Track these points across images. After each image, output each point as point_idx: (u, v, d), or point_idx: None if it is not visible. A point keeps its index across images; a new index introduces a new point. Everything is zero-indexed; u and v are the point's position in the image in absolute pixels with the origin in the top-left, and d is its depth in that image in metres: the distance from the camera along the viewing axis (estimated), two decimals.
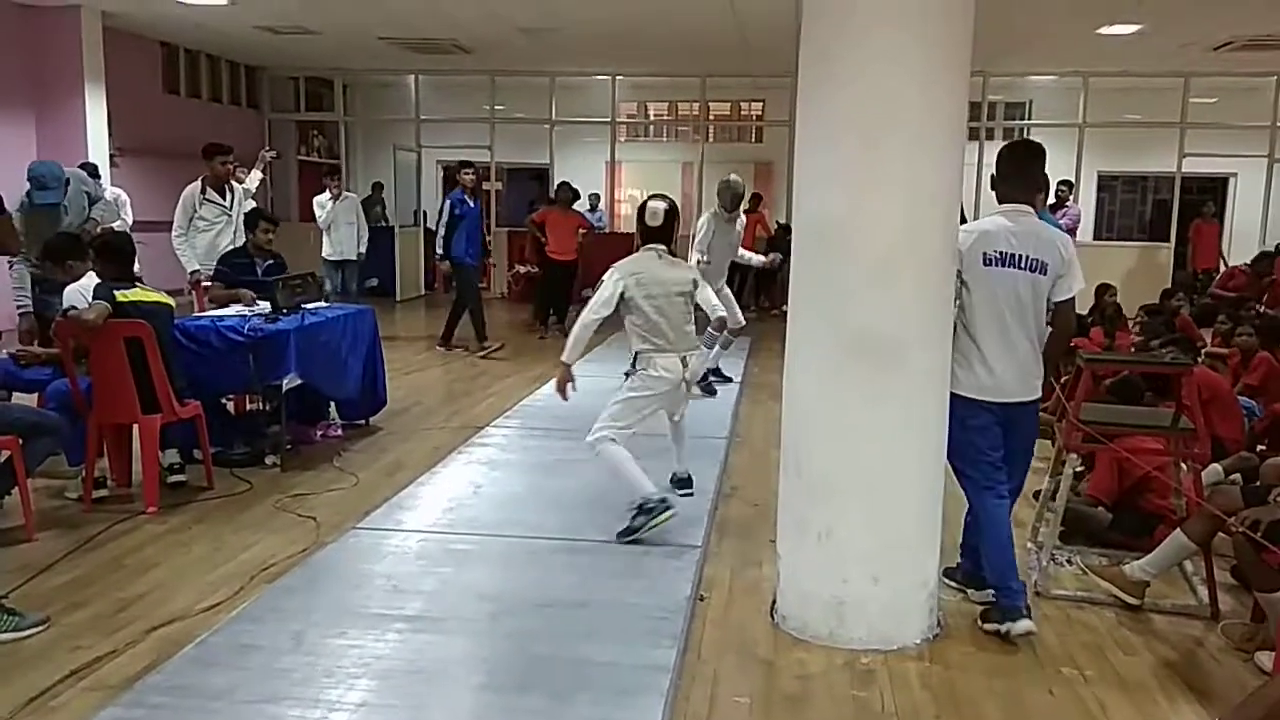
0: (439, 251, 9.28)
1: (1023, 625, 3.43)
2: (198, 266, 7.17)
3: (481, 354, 9.19)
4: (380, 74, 14.57)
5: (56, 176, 5.99)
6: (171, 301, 4.96)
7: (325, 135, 15.24)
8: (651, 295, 4.28)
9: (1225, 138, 13.21)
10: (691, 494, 4.81)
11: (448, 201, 9.30)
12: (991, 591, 3.57)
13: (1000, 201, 3.62)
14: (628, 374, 4.49)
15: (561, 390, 4.34)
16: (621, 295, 4.26)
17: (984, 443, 3.54)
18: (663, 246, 4.41)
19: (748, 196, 14.29)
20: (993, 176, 3.67)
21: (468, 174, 9.39)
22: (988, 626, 3.53)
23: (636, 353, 4.36)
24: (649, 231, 4.43)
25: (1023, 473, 3.75)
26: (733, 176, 7.28)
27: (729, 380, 7.88)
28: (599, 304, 4.26)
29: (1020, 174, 3.62)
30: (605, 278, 4.34)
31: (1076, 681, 3.21)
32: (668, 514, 4.17)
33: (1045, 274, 3.51)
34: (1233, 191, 14.73)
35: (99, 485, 4.80)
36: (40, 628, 3.40)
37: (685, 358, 4.36)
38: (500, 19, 10.22)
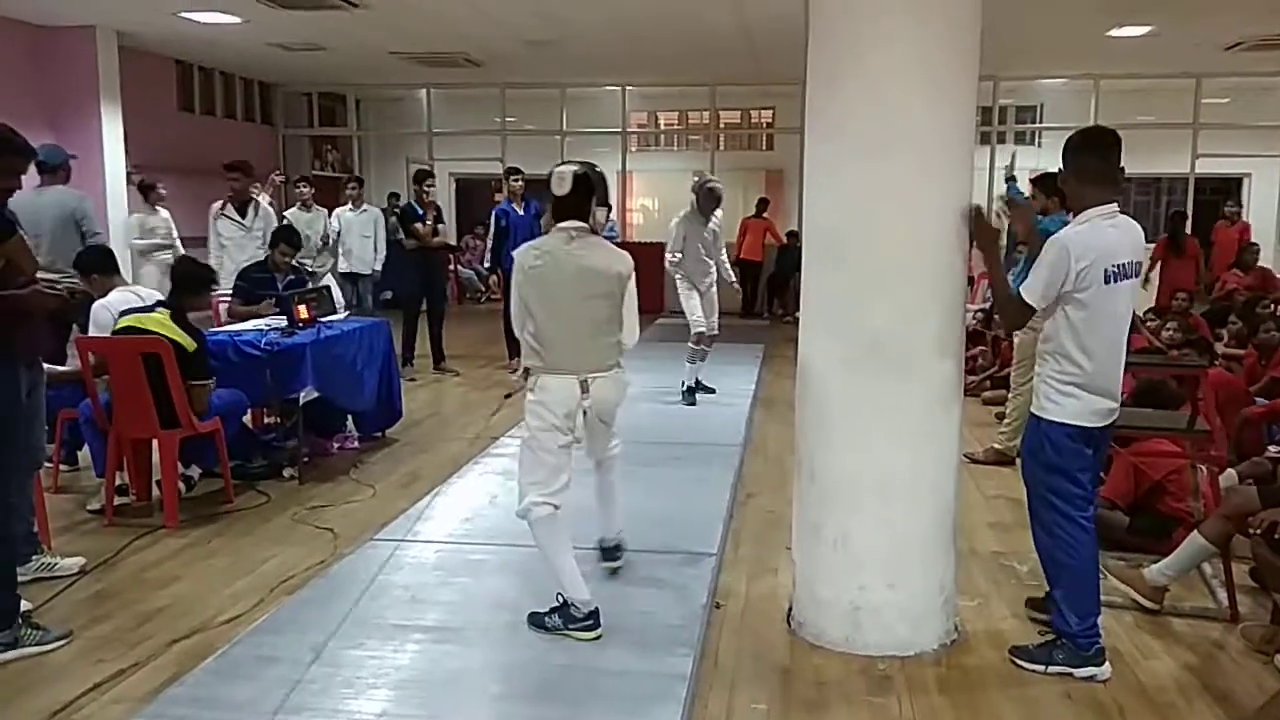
0: (485, 265, 9.19)
1: (1107, 669, 3.23)
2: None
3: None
4: (392, 88, 14.64)
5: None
6: (185, 341, 4.69)
7: (339, 150, 15.34)
8: (549, 295, 3.33)
9: (1239, 138, 13.14)
10: (620, 565, 3.96)
11: (493, 214, 9.19)
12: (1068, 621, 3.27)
13: (1083, 202, 3.21)
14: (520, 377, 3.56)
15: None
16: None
17: (1079, 472, 3.23)
18: (578, 223, 3.37)
19: (754, 201, 14.46)
20: (1065, 175, 3.26)
21: (515, 181, 9.12)
22: (1053, 670, 3.24)
23: (526, 367, 3.48)
24: (557, 204, 3.37)
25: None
26: (711, 182, 7.23)
27: (711, 391, 7.56)
28: (514, 313, 3.46)
29: (1108, 166, 3.21)
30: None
31: (1095, 687, 3.20)
32: (589, 634, 3.38)
33: (1138, 275, 3.26)
34: (1247, 191, 14.64)
35: (120, 492, 4.87)
36: (63, 642, 3.44)
37: (586, 381, 3.37)
38: (508, 32, 10.27)
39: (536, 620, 3.49)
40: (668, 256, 7.19)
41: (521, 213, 9.05)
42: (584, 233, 3.37)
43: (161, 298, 5.04)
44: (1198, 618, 3.74)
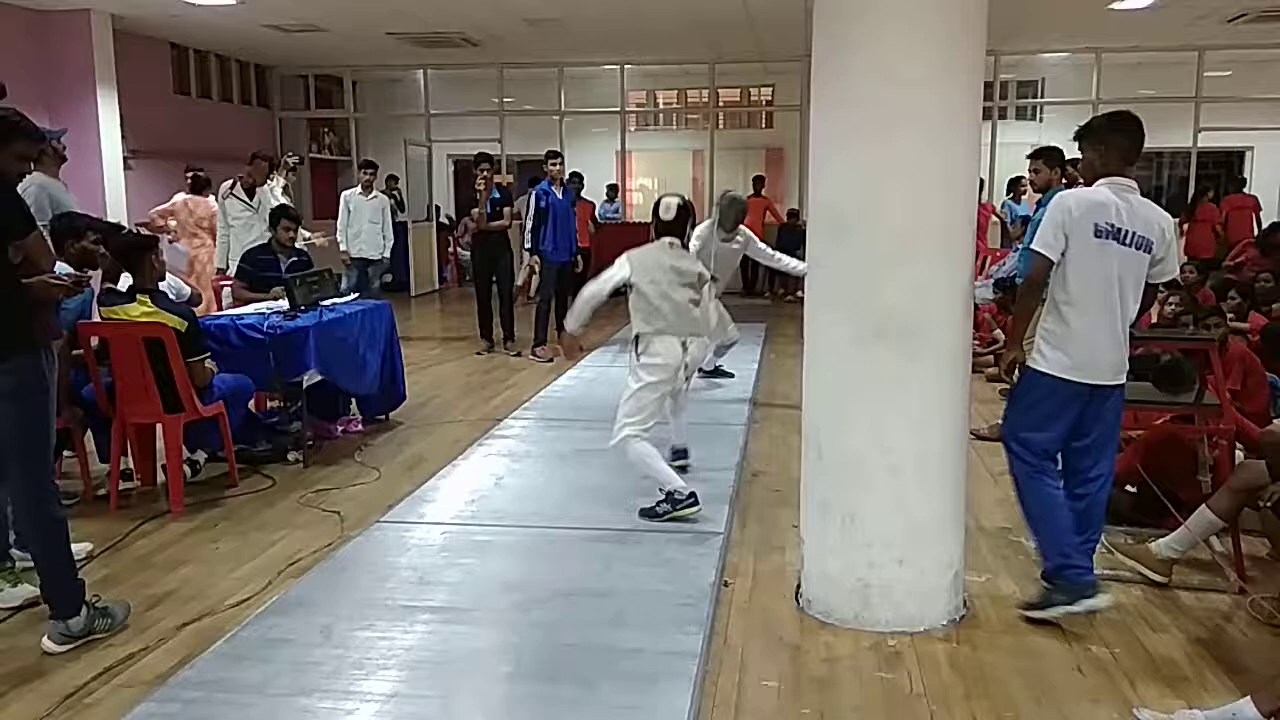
0: (527, 246, 8.79)
1: (1104, 599, 3.36)
2: (221, 265, 7.71)
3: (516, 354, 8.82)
4: (389, 69, 14.54)
5: None
6: (175, 323, 4.61)
7: (336, 132, 15.26)
8: (655, 280, 4.42)
9: (1241, 111, 13.09)
10: (688, 464, 4.99)
11: (533, 194, 8.83)
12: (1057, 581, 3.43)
13: (1095, 174, 3.43)
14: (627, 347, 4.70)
15: (569, 353, 5.02)
16: (627, 281, 4.45)
17: (1054, 425, 3.42)
18: (675, 239, 4.61)
19: (748, 182, 14.40)
20: (1082, 143, 3.49)
21: (554, 164, 8.83)
22: (1053, 613, 3.38)
23: (636, 335, 4.46)
24: (662, 225, 4.62)
25: (1111, 458, 3.58)
26: (737, 193, 7.10)
27: (730, 376, 7.52)
28: (604, 279, 4.49)
29: (1128, 144, 3.40)
30: (617, 260, 4.54)
31: (1105, 660, 3.20)
32: (693, 509, 4.33)
33: (1149, 253, 3.35)
34: (1250, 164, 14.60)
35: (124, 478, 4.86)
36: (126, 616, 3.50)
37: (685, 341, 4.46)
38: (506, 11, 10.20)
39: (648, 512, 4.37)
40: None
41: (560, 196, 8.83)
42: (677, 245, 4.61)
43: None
44: (1206, 591, 3.74)
